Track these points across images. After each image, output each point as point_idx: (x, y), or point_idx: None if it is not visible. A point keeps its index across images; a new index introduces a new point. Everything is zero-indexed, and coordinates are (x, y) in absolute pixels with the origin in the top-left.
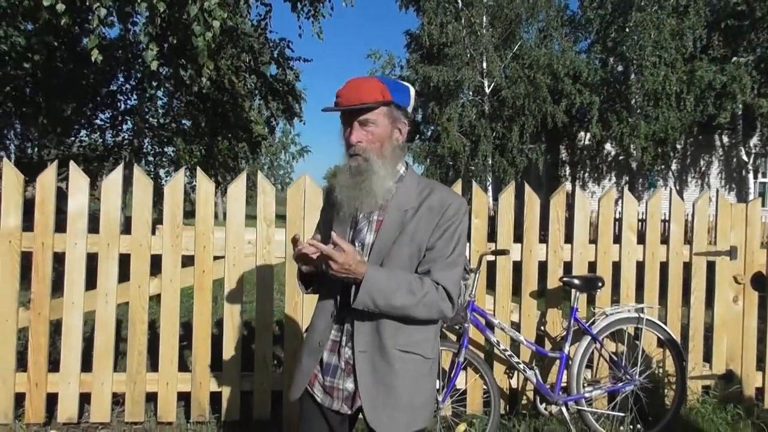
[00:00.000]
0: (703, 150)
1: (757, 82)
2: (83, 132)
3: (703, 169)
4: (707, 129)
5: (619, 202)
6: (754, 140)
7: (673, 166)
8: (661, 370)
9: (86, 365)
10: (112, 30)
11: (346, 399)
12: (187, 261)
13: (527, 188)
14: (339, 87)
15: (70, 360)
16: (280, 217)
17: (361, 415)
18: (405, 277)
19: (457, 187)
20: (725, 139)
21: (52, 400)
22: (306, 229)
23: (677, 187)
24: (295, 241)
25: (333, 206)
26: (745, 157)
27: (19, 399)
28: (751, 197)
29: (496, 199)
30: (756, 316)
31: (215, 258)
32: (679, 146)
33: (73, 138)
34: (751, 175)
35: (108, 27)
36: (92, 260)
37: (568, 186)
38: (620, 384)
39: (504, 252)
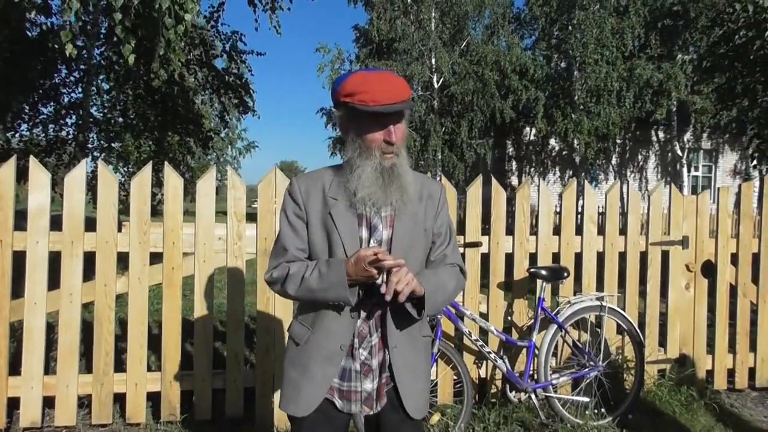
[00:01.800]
0: (641, 145)
1: (690, 79)
2: (24, 126)
3: (641, 163)
4: (645, 125)
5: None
6: (687, 135)
7: (613, 161)
8: (620, 357)
9: (48, 367)
10: (50, 19)
11: (366, 400)
12: (155, 258)
13: (494, 182)
14: (356, 84)
15: (33, 362)
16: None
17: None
18: (441, 273)
19: None
20: (661, 134)
21: (13, 404)
22: (277, 223)
23: (616, 181)
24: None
25: (322, 207)
26: (679, 152)
27: None
28: (685, 191)
29: None
30: (706, 303)
31: (184, 254)
32: (618, 141)
33: (12, 132)
34: (685, 169)
35: (75, 15)
36: (54, 260)
37: (514, 180)
38: (584, 370)
39: (476, 244)
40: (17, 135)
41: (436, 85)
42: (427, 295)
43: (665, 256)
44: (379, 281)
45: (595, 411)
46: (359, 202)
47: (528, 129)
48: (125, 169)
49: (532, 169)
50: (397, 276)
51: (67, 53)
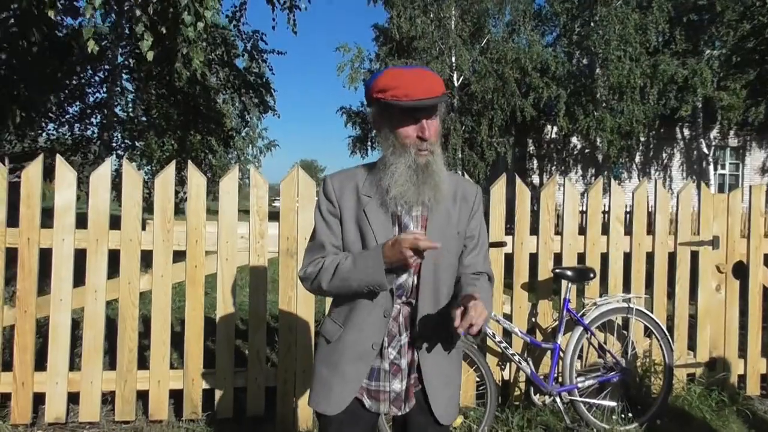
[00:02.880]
0: (665, 143)
1: (716, 75)
2: (50, 125)
3: (666, 161)
4: (669, 122)
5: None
6: (713, 133)
7: (637, 159)
8: (648, 360)
9: (73, 363)
10: (78, 20)
11: (395, 401)
12: (178, 256)
13: (518, 181)
14: (388, 80)
15: (58, 358)
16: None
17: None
18: (487, 289)
19: None
20: (686, 132)
21: (38, 399)
22: (300, 222)
23: (639, 179)
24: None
25: (356, 205)
26: (705, 150)
27: (5, 399)
28: (712, 189)
29: None
30: (737, 305)
31: (207, 253)
32: (642, 139)
33: (39, 131)
34: (711, 167)
35: (100, 16)
36: (79, 257)
37: (535, 179)
38: (611, 374)
39: (501, 244)
40: (44, 134)
41: (456, 84)
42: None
43: (694, 256)
44: (413, 265)
45: (622, 416)
46: (391, 200)
47: (549, 127)
48: (148, 167)
49: (554, 168)
50: (476, 311)
51: (89, 50)
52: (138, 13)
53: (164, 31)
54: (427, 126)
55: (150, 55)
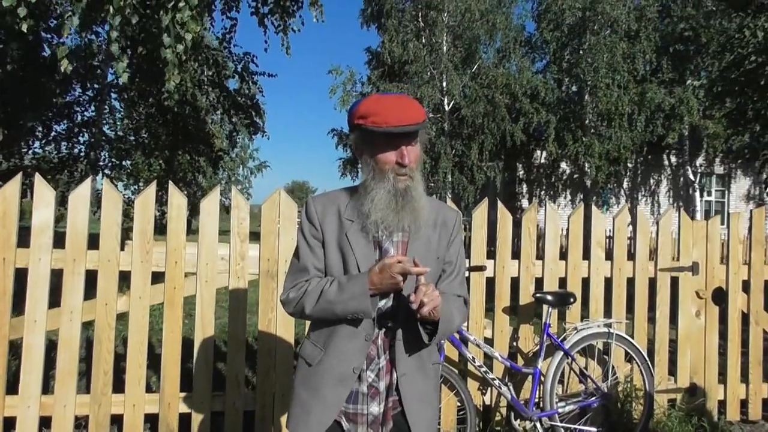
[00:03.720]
0: (653, 169)
1: (702, 104)
2: (36, 143)
3: (653, 187)
4: (656, 149)
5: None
6: (699, 160)
7: (625, 185)
8: (629, 385)
9: (48, 386)
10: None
11: (372, 423)
12: (158, 278)
13: (500, 206)
14: (369, 107)
15: (30, 381)
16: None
17: None
18: (450, 304)
19: None
20: (673, 159)
21: (9, 424)
22: (281, 244)
23: (629, 205)
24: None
25: (338, 228)
26: (691, 176)
27: None
28: (698, 215)
29: None
30: (717, 331)
31: (186, 274)
32: (630, 165)
33: (25, 149)
34: (697, 194)
35: (78, 35)
36: (56, 277)
37: (525, 203)
38: (591, 399)
39: (480, 268)
40: (30, 152)
41: (446, 108)
42: (441, 322)
43: (675, 282)
44: (404, 291)
45: None
46: (372, 225)
47: (539, 152)
48: (135, 186)
49: (543, 192)
50: (427, 287)
51: (62, 69)
52: (115, 34)
53: (144, 52)
54: (406, 152)
55: (125, 77)
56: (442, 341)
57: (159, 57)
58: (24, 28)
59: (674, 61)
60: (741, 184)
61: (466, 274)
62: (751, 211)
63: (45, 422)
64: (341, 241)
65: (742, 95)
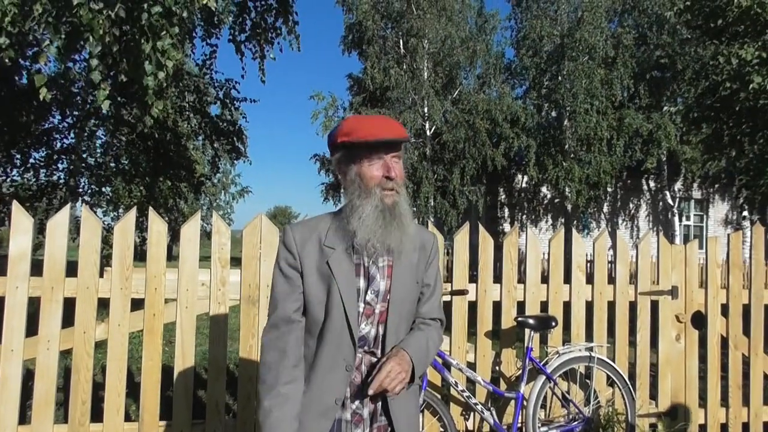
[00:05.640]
0: (632, 193)
1: (679, 130)
2: (15, 171)
3: (633, 211)
4: (635, 173)
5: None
6: (678, 185)
7: (605, 209)
8: (610, 409)
9: (25, 416)
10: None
11: None
12: (138, 304)
13: (481, 230)
14: (352, 124)
15: (7, 412)
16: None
17: None
18: (423, 337)
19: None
20: (652, 183)
21: None
22: (262, 269)
23: (609, 229)
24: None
25: (318, 257)
26: (670, 201)
27: None
28: (677, 240)
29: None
30: (697, 355)
31: (166, 301)
32: (610, 189)
33: (3, 177)
34: (676, 218)
35: (57, 63)
36: (33, 305)
37: (506, 227)
38: (574, 423)
39: (462, 292)
40: (8, 180)
41: (428, 133)
42: (416, 366)
43: (655, 305)
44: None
45: None
46: (359, 244)
47: (520, 176)
48: (115, 213)
49: (525, 216)
50: (387, 369)
51: (41, 97)
52: (95, 62)
53: (125, 80)
54: (392, 165)
55: (106, 104)
56: None
57: (140, 84)
58: (6, 59)
59: (651, 88)
60: (719, 209)
61: (448, 298)
62: (728, 235)
63: None
64: (322, 269)
65: (717, 121)
